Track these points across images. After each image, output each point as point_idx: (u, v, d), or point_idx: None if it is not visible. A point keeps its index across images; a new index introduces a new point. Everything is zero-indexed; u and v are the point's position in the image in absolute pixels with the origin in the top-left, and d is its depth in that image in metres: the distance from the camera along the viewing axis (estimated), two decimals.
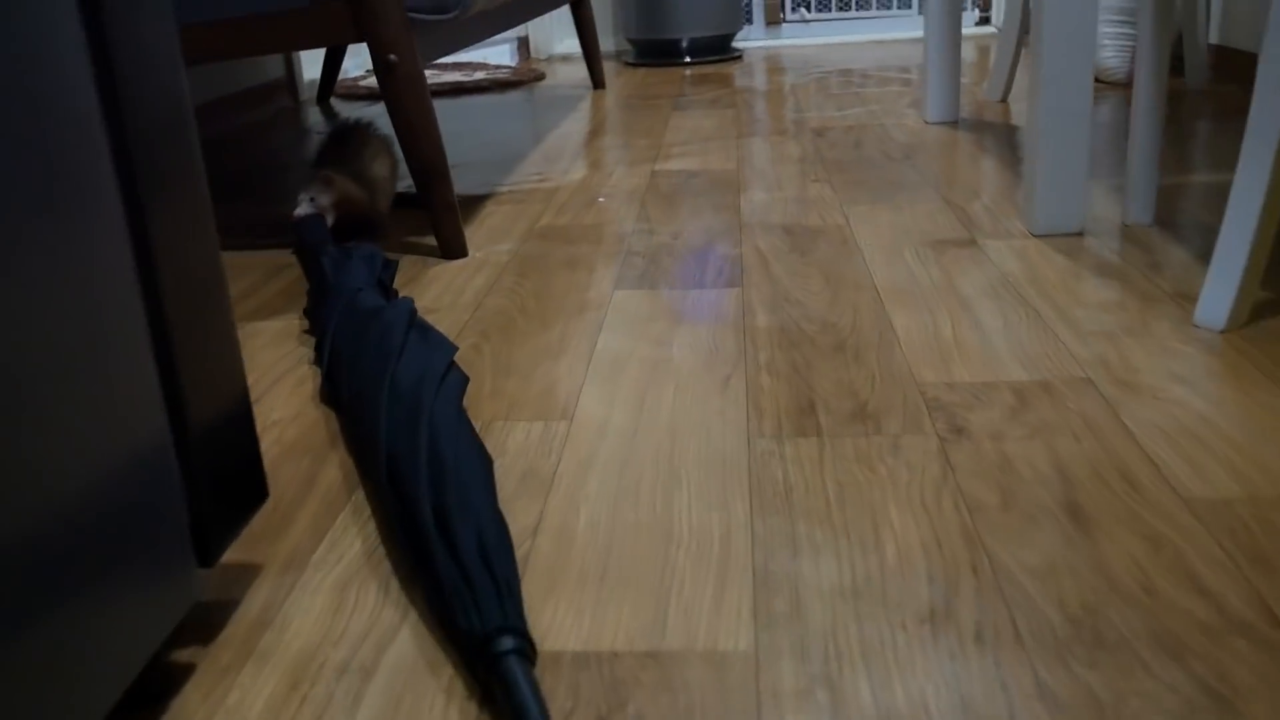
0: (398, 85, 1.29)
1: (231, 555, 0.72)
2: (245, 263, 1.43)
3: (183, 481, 0.57)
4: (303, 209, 1.34)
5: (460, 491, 0.66)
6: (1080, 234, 1.32)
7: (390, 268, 1.19)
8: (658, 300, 1.18)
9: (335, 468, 0.84)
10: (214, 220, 0.61)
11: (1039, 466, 0.77)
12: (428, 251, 1.42)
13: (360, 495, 0.79)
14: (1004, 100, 2.32)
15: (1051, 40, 1.26)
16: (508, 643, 0.55)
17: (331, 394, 0.94)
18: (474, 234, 1.49)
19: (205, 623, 0.64)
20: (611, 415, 0.90)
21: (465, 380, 0.85)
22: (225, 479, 0.61)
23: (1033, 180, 1.33)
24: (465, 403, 0.93)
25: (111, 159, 0.51)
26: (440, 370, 0.82)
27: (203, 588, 0.68)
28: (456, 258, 1.38)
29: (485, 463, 0.73)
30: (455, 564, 0.61)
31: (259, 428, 0.92)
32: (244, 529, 0.72)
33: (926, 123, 2.13)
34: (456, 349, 0.89)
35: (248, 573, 0.70)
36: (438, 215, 1.36)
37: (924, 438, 0.82)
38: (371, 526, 0.74)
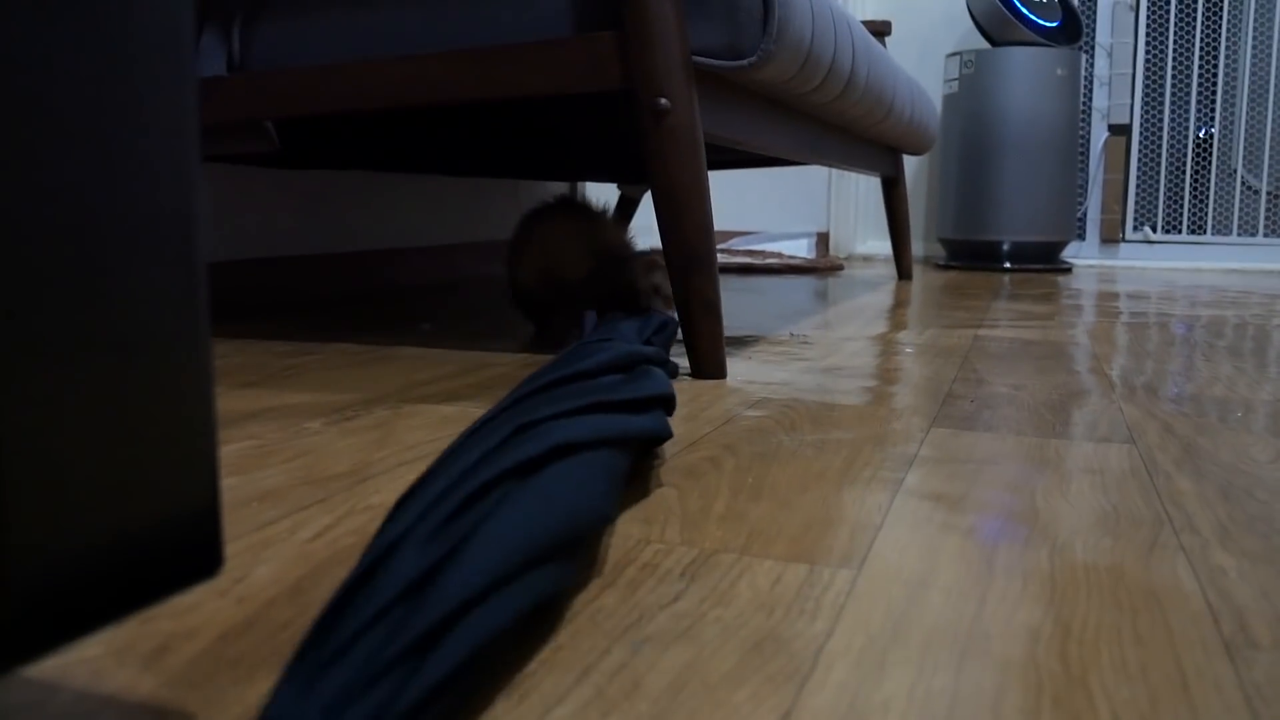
0: (664, 139, 0.98)
1: (145, 684, 0.36)
2: (447, 357, 1.14)
3: None
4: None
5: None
6: None
7: (666, 330, 0.86)
8: (999, 444, 0.77)
9: None
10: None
11: None
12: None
13: None
14: None
15: None
16: None
17: None
18: (737, 366, 1.13)
19: None
20: (935, 571, 0.49)
21: (670, 396, 0.47)
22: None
23: None
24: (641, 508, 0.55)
25: None
26: (636, 392, 0.45)
27: None
28: (710, 378, 1.03)
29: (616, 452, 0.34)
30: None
31: (345, 511, 0.57)
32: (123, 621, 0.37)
33: None
34: (673, 383, 0.52)
35: None
36: (692, 318, 1.02)
37: None
38: None
